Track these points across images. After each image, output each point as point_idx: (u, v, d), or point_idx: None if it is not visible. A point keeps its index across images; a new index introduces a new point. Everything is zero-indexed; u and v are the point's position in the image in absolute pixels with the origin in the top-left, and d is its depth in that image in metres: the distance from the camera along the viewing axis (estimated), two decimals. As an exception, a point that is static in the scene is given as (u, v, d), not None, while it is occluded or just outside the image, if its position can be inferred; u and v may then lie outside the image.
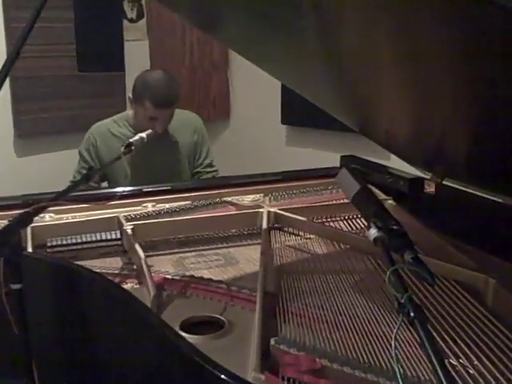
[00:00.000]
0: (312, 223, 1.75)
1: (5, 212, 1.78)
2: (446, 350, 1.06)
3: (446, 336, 1.11)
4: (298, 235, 1.75)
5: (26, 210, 1.12)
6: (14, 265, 1.07)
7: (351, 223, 1.82)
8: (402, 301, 0.75)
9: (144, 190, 2.05)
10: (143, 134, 1.67)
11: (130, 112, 2.54)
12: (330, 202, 1.96)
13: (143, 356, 1.03)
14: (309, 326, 1.17)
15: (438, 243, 1.57)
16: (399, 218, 1.75)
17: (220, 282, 1.42)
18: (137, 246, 1.53)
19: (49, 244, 1.66)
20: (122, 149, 1.54)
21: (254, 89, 3.63)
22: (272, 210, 1.80)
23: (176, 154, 2.55)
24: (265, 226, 1.69)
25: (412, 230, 1.69)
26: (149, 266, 1.45)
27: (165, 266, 1.58)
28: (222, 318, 1.23)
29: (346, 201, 1.95)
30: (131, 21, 3.75)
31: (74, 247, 1.67)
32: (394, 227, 0.96)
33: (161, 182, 2.12)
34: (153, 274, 1.47)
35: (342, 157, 2.34)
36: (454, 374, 0.99)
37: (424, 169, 1.92)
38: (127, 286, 1.44)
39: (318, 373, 0.99)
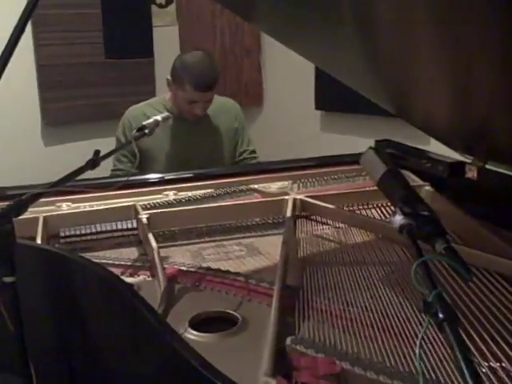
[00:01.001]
0: (341, 211, 1.62)
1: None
2: (486, 352, 0.93)
3: (486, 336, 0.97)
4: (327, 224, 1.62)
5: (21, 197, 1.02)
6: (6, 255, 0.98)
7: (384, 211, 1.69)
8: (430, 299, 0.62)
9: (166, 177, 1.96)
10: (158, 117, 1.57)
11: (166, 95, 2.45)
12: (362, 189, 1.82)
13: (140, 356, 0.93)
14: (331, 324, 1.05)
15: (480, 232, 1.43)
16: (437, 205, 1.66)
17: (238, 274, 1.32)
18: (150, 236, 1.43)
19: (62, 234, 1.58)
20: (134, 132, 1.44)
21: (287, 74, 3.50)
22: (298, 197, 1.68)
23: (216, 140, 2.46)
24: (289, 213, 1.57)
25: (451, 219, 1.57)
26: (161, 257, 1.35)
27: (182, 257, 1.48)
28: (236, 314, 1.12)
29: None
30: (160, 6, 3.65)
31: (88, 237, 1.59)
32: (425, 213, 0.83)
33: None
34: (167, 266, 1.38)
35: (376, 141, 2.20)
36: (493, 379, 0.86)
37: (465, 152, 1.77)
38: (139, 278, 1.35)
39: (337, 378, 0.88)
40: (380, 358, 0.93)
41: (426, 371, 0.86)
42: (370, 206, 1.72)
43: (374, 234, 1.51)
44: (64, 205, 1.78)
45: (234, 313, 1.13)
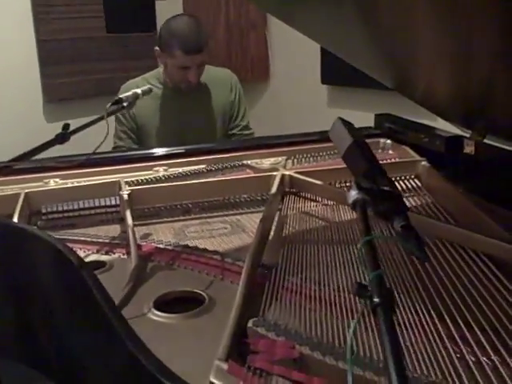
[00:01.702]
0: (329, 187, 1.56)
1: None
2: (470, 340, 0.87)
3: (473, 324, 0.91)
4: (315, 201, 1.57)
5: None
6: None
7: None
8: (367, 282, 0.57)
9: (157, 153, 1.91)
10: (138, 90, 1.52)
11: (161, 69, 2.40)
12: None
13: (89, 343, 0.90)
14: (299, 306, 1.00)
15: (474, 212, 1.35)
16: (433, 181, 1.59)
17: (214, 252, 1.27)
18: (127, 213, 1.39)
19: (43, 211, 1.55)
20: (108, 105, 1.39)
21: (294, 48, 3.41)
22: (287, 173, 1.63)
23: (212, 112, 2.41)
24: (273, 189, 1.52)
25: (446, 196, 1.51)
26: (137, 235, 1.31)
27: (165, 234, 1.44)
28: (204, 294, 1.08)
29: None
30: (164, -22, 3.58)
31: (71, 214, 1.56)
32: (385, 188, 0.77)
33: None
34: (144, 243, 1.34)
35: (376, 115, 2.13)
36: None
37: (464, 126, 1.69)
38: (114, 256, 1.32)
39: (294, 363, 0.83)
40: (343, 342, 0.88)
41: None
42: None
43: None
44: (52, 181, 1.75)
45: (201, 292, 1.09)
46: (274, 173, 1.63)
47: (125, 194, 1.51)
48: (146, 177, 1.73)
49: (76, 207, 1.56)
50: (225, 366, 0.81)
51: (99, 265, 1.24)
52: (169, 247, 1.32)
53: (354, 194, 0.75)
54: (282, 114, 3.53)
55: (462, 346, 0.86)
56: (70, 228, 1.51)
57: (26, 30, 3.03)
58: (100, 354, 0.90)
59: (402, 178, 1.69)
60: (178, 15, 2.37)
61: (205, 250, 1.29)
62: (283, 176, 1.61)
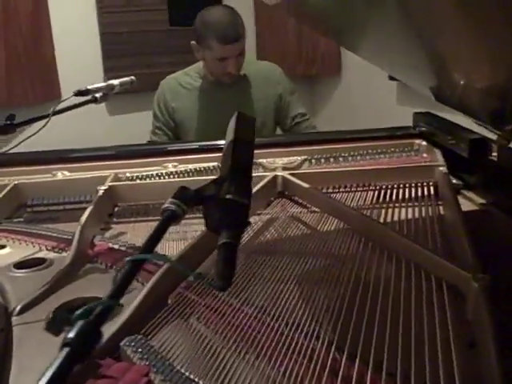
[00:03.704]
0: (314, 192, 1.40)
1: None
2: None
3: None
4: (305, 207, 1.41)
5: None
6: None
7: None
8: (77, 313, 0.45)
9: (168, 148, 1.85)
10: (116, 81, 1.45)
11: (201, 63, 2.33)
12: (367, 168, 1.58)
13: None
14: (203, 325, 0.88)
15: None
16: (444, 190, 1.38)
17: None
18: (87, 210, 1.33)
19: (29, 203, 1.53)
20: (70, 96, 1.33)
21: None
22: (280, 174, 1.49)
23: (252, 107, 2.29)
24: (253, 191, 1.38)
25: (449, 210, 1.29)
26: (84, 234, 1.24)
27: (136, 234, 1.36)
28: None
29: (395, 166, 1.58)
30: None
31: (55, 208, 1.53)
32: (229, 196, 0.63)
33: None
34: (99, 243, 1.27)
35: (414, 114, 1.92)
36: None
37: (493, 125, 1.46)
38: (62, 254, 1.25)
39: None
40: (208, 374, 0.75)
41: None
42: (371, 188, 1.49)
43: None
44: (59, 173, 1.73)
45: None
46: (267, 173, 1.50)
47: (101, 189, 1.45)
48: (145, 173, 1.66)
49: (61, 201, 1.53)
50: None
51: (39, 262, 1.19)
52: (122, 248, 1.24)
53: (169, 201, 0.62)
54: (354, 109, 3.34)
55: None
56: (51, 222, 1.47)
57: (89, 22, 3.09)
58: None
59: (419, 184, 1.49)
60: (212, 6, 2.28)
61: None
62: (275, 177, 1.47)
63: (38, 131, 1.20)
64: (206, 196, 0.64)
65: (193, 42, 2.22)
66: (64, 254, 1.25)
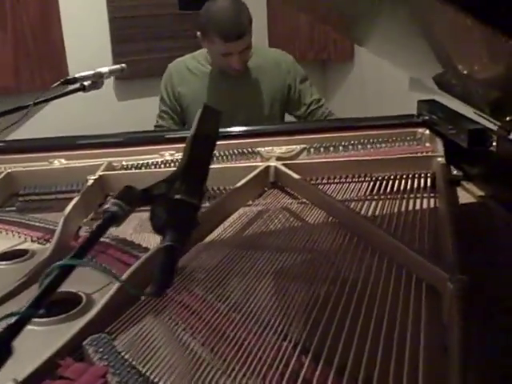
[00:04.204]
0: (304, 184, 1.36)
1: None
2: None
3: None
4: (295, 198, 1.38)
5: None
6: None
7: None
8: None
9: (166, 136, 1.82)
10: (105, 69, 1.41)
11: None
12: (363, 158, 1.55)
13: None
14: (175, 328, 0.85)
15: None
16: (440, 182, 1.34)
17: (145, 249, 1.15)
18: (73, 201, 1.31)
19: (21, 192, 1.52)
20: (55, 84, 1.30)
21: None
22: (273, 164, 1.45)
23: (261, 95, 2.24)
24: (242, 182, 1.35)
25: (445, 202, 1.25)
26: (67, 226, 1.22)
27: (123, 226, 1.34)
28: (83, 296, 0.97)
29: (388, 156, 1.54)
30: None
31: (47, 197, 1.52)
32: (178, 197, 0.60)
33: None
34: (83, 234, 1.26)
35: (419, 102, 1.86)
36: None
37: (494, 115, 1.41)
38: (45, 246, 1.24)
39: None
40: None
41: None
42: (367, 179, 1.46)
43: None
44: (56, 161, 1.72)
45: (82, 294, 0.97)
46: (259, 163, 1.47)
47: (91, 179, 1.43)
48: (141, 162, 1.64)
49: (53, 190, 1.52)
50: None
51: (20, 253, 1.18)
52: (106, 240, 1.22)
53: (111, 202, 0.60)
54: (365, 94, 3.28)
55: None
56: (43, 211, 1.46)
57: (98, 6, 3.07)
58: None
59: (416, 175, 1.44)
60: None
61: (138, 245, 1.18)
62: (268, 167, 1.44)
63: (17, 121, 1.18)
64: (154, 195, 0.62)
65: (197, 33, 2.16)
66: (48, 245, 1.24)
